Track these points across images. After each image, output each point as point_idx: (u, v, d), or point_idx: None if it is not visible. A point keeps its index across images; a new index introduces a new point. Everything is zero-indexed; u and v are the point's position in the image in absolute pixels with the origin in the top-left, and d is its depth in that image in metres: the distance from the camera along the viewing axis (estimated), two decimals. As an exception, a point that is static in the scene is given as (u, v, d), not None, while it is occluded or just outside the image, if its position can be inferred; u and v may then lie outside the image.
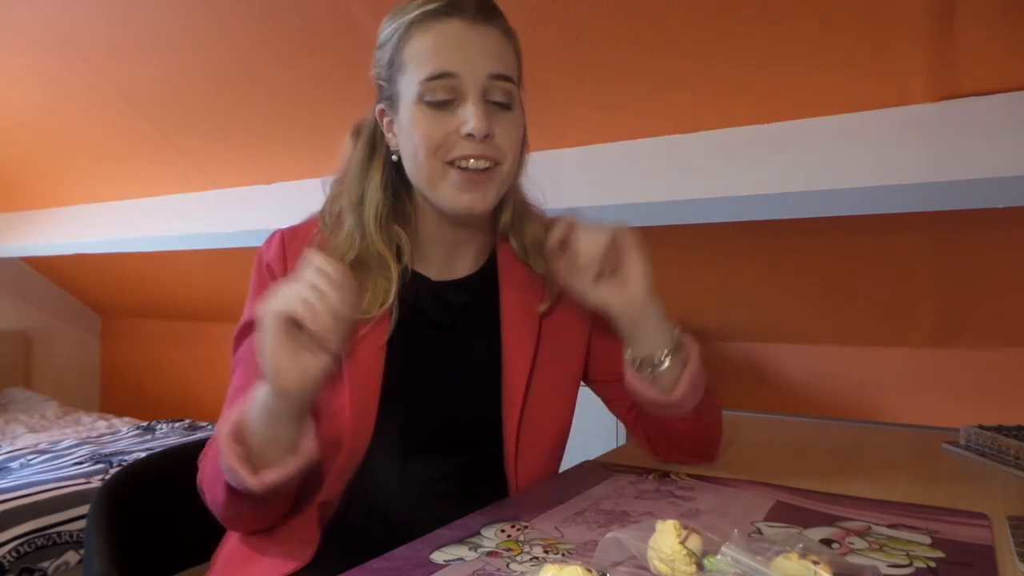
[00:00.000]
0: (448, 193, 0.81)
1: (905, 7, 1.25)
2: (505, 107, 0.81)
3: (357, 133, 0.91)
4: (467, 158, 0.79)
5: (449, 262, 0.91)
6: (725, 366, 2.11)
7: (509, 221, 0.91)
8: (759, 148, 1.56)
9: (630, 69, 1.56)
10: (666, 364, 0.83)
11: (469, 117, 0.78)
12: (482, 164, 0.80)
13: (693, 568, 0.56)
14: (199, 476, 0.81)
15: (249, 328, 0.84)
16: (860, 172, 1.42)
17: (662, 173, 1.67)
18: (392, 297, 0.84)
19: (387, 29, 0.83)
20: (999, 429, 1.05)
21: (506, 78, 0.81)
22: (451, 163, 0.80)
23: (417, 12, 0.79)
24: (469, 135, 0.78)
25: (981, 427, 1.07)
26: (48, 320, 3.69)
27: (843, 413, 1.92)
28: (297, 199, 2.37)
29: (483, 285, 0.91)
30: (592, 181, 1.76)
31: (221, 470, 0.72)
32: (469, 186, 0.80)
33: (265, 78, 2.01)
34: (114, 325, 3.90)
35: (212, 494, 0.78)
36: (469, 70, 0.78)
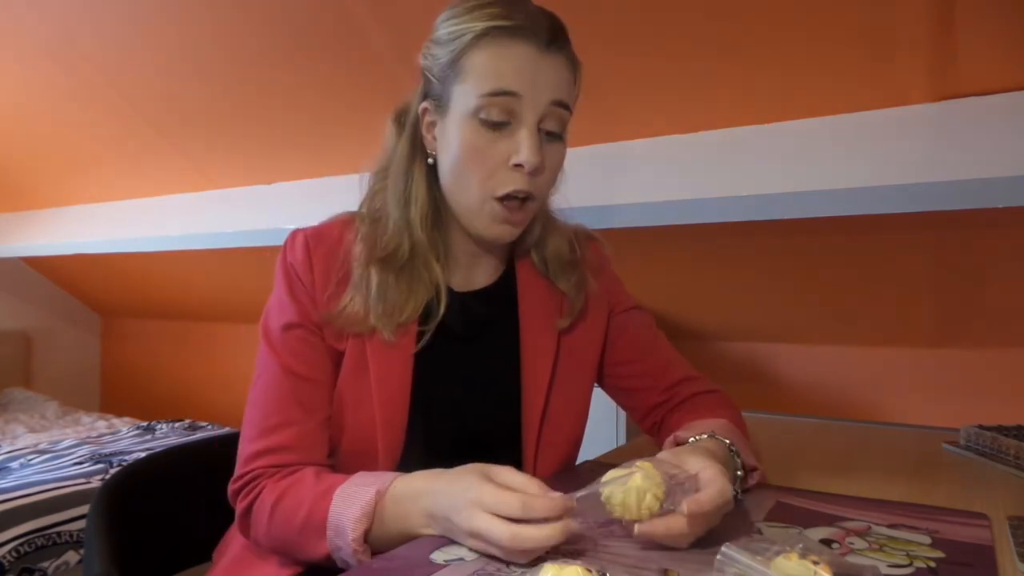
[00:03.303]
0: (482, 223, 0.81)
1: (905, 7, 1.25)
2: (556, 137, 0.81)
3: (399, 121, 0.87)
4: (514, 194, 0.78)
5: (470, 272, 0.90)
6: (725, 366, 2.11)
7: (534, 239, 0.91)
8: (759, 148, 1.56)
9: (629, 70, 1.56)
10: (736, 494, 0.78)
11: (522, 148, 0.77)
12: (521, 195, 0.79)
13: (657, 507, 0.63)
14: (245, 511, 0.78)
15: (286, 329, 0.82)
16: (860, 172, 1.42)
17: (663, 173, 1.67)
18: (441, 310, 0.83)
19: (450, 27, 0.79)
20: (999, 429, 1.05)
21: (565, 106, 0.80)
22: (495, 197, 0.79)
23: (488, 24, 0.76)
24: (518, 165, 0.77)
25: (981, 427, 1.07)
26: (48, 320, 3.69)
27: (843, 413, 1.93)
28: (297, 199, 2.38)
29: (502, 297, 0.90)
30: (591, 182, 1.76)
31: (306, 532, 0.72)
32: (504, 219, 0.80)
33: (265, 79, 2.01)
34: (114, 325, 3.90)
35: (272, 540, 0.76)
36: (531, 94, 0.76)
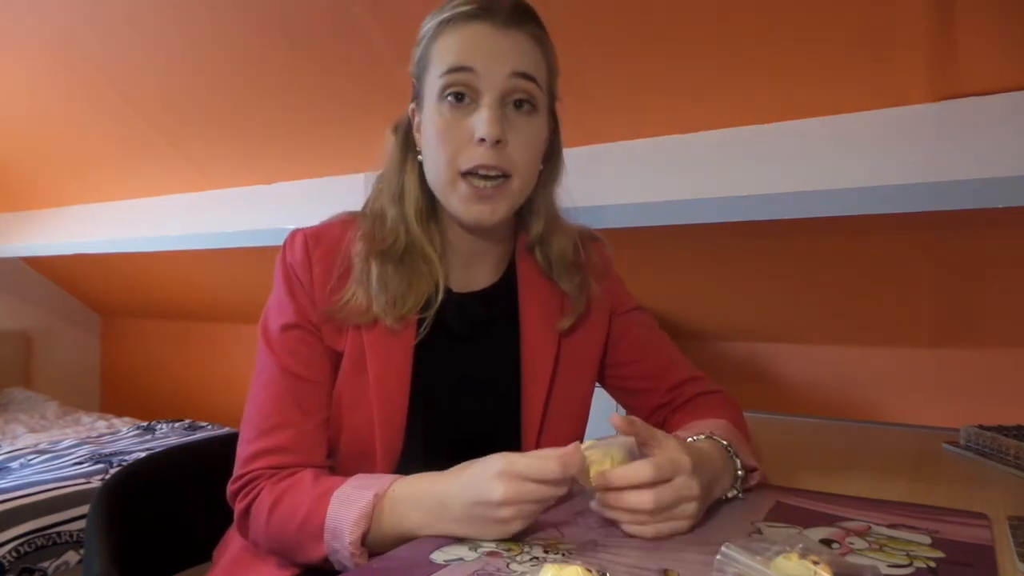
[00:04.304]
0: (457, 204, 0.80)
1: (905, 7, 1.25)
2: (526, 111, 0.80)
3: (396, 129, 0.89)
4: (478, 169, 0.78)
5: (468, 271, 0.89)
6: (725, 366, 2.11)
7: (538, 235, 0.90)
8: (759, 148, 1.56)
9: (628, 70, 1.56)
10: (737, 494, 0.79)
11: (481, 121, 0.77)
12: (492, 173, 0.78)
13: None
14: (243, 512, 0.78)
15: (285, 330, 0.82)
16: (860, 172, 1.42)
17: (662, 173, 1.67)
18: (438, 303, 0.83)
19: (424, 27, 0.83)
20: (999, 429, 1.05)
21: (528, 77, 0.79)
22: (464, 175, 0.79)
23: (451, 12, 0.79)
24: (481, 140, 0.77)
25: (981, 427, 1.07)
26: (48, 320, 3.69)
27: (843, 413, 1.92)
28: (297, 199, 2.38)
29: (502, 297, 0.90)
30: (591, 182, 1.76)
31: (303, 534, 0.72)
32: (477, 199, 0.79)
33: (265, 79, 2.01)
34: (114, 325, 3.90)
35: (270, 542, 0.76)
36: (488, 67, 0.77)
